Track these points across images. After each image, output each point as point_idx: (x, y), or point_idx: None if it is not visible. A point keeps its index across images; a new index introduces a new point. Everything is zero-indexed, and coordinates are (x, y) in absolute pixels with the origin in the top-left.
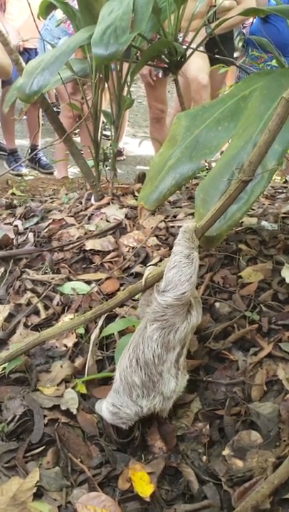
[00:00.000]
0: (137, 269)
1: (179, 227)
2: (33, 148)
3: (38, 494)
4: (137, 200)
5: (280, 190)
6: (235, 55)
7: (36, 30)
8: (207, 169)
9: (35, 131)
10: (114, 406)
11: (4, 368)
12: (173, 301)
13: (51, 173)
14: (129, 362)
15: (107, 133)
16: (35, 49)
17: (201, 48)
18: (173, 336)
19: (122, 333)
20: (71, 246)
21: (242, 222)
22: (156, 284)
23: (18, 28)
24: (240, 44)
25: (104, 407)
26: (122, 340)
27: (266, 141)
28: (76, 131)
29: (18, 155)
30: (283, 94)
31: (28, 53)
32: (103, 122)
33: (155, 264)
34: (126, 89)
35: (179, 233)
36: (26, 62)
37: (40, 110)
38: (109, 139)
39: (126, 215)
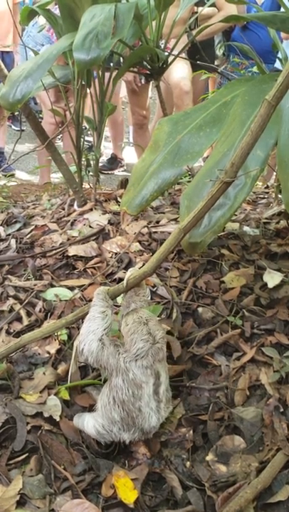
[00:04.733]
0: (120, 274)
1: (162, 232)
2: None
3: (21, 502)
4: (119, 205)
5: (262, 196)
6: (216, 62)
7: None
8: (190, 175)
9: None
10: (103, 428)
11: None
12: (87, 357)
13: None
14: (107, 399)
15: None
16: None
17: (183, 55)
18: (132, 375)
19: None
20: (54, 252)
21: (224, 227)
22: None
23: None
24: (221, 52)
25: (92, 425)
26: None
27: (248, 142)
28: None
29: None
30: (266, 97)
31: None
32: (85, 128)
33: None
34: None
35: (94, 296)
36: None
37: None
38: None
39: (109, 220)
